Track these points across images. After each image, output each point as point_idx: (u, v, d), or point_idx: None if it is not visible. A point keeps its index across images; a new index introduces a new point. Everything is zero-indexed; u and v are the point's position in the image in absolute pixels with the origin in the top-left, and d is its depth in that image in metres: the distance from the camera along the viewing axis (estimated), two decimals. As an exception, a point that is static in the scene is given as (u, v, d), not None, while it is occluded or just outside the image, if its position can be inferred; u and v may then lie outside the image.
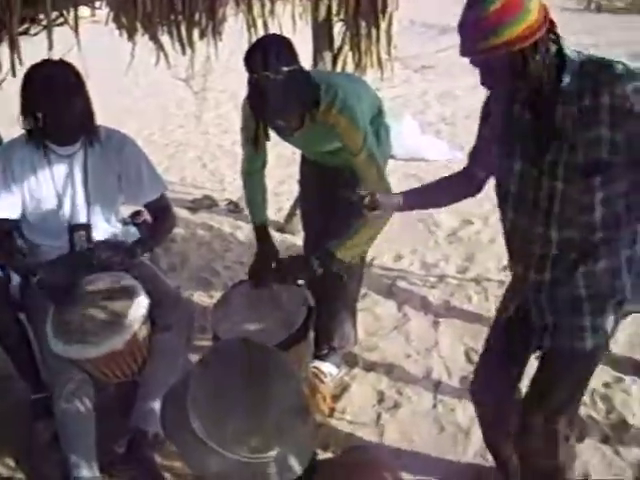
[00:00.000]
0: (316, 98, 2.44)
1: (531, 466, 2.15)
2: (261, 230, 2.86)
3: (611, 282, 1.86)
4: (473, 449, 2.67)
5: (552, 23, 1.72)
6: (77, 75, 2.47)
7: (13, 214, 2.57)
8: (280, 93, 2.23)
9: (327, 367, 3.04)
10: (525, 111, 1.85)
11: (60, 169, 2.57)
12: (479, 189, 2.16)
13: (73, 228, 2.63)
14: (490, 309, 3.64)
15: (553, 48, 1.74)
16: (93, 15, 3.64)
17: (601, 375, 3.02)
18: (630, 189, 1.78)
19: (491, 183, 2.06)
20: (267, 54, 2.27)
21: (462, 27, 1.74)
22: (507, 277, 3.99)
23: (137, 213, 3.06)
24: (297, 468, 1.13)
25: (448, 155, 6.33)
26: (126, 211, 2.99)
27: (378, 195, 2.06)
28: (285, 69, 2.24)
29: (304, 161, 3.13)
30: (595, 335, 1.90)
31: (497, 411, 2.24)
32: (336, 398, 2.97)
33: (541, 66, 1.71)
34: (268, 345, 1.52)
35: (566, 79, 1.73)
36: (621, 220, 1.82)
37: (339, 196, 2.79)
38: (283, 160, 5.61)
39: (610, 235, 1.82)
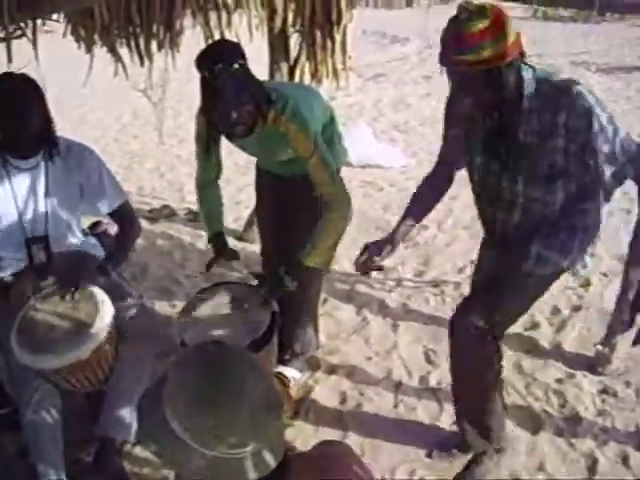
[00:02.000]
0: (267, 98, 2.48)
1: (458, 374, 2.45)
2: (217, 237, 2.87)
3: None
4: (433, 444, 2.74)
5: (517, 52, 1.94)
6: (36, 88, 2.45)
7: None
8: (232, 84, 2.29)
9: (290, 372, 3.09)
10: (487, 118, 2.08)
11: (21, 182, 2.57)
12: (452, 182, 2.49)
13: (31, 241, 2.62)
14: (447, 311, 3.74)
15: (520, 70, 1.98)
16: (44, 25, 3.65)
17: (554, 371, 3.15)
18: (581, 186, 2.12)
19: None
20: (218, 51, 2.37)
21: (445, 39, 1.92)
22: (463, 279, 4.13)
23: (96, 224, 3.08)
24: (272, 461, 1.19)
25: (402, 162, 6.46)
26: (85, 223, 2.99)
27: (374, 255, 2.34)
28: (237, 61, 2.31)
29: (258, 172, 3.15)
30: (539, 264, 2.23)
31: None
32: (300, 401, 3.03)
33: (512, 85, 1.94)
34: (237, 346, 1.57)
35: (526, 102, 1.99)
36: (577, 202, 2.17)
37: (294, 206, 2.86)
38: (241, 168, 5.65)
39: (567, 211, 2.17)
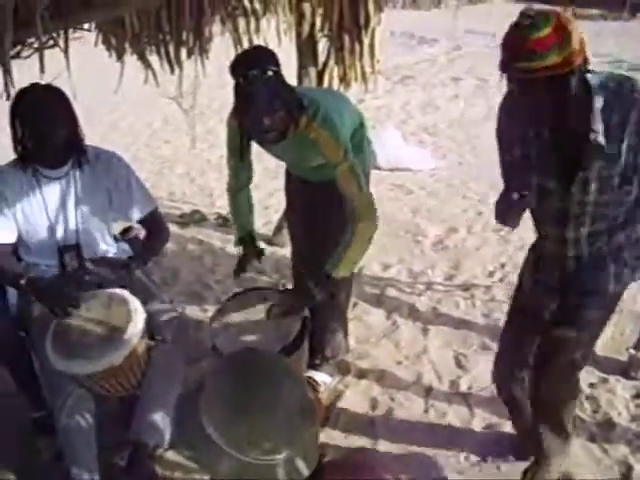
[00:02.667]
0: (299, 104, 2.49)
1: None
2: (247, 237, 2.93)
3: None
4: (466, 451, 2.74)
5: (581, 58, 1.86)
6: (62, 98, 2.51)
7: (10, 238, 2.61)
8: (266, 91, 2.29)
9: (321, 376, 3.10)
10: (544, 131, 2.01)
11: (51, 191, 2.61)
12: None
13: (63, 249, 2.67)
14: (477, 315, 3.73)
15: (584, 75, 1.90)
16: (80, 37, 3.70)
17: (586, 376, 3.10)
18: None
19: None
20: (252, 57, 2.39)
21: (507, 45, 1.86)
22: (493, 283, 4.10)
23: (128, 229, 3.11)
24: (304, 470, 1.20)
25: (431, 164, 6.44)
26: (117, 228, 3.03)
27: None
28: (271, 67, 2.32)
29: (288, 177, 3.17)
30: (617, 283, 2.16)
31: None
32: (330, 406, 3.03)
33: (579, 90, 1.87)
34: (273, 352, 1.57)
35: (598, 102, 1.91)
36: None
37: (323, 211, 2.86)
38: (271, 172, 5.68)
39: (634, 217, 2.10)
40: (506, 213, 2.16)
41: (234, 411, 1.15)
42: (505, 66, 1.88)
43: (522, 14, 1.83)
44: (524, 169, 2.10)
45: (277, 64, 2.38)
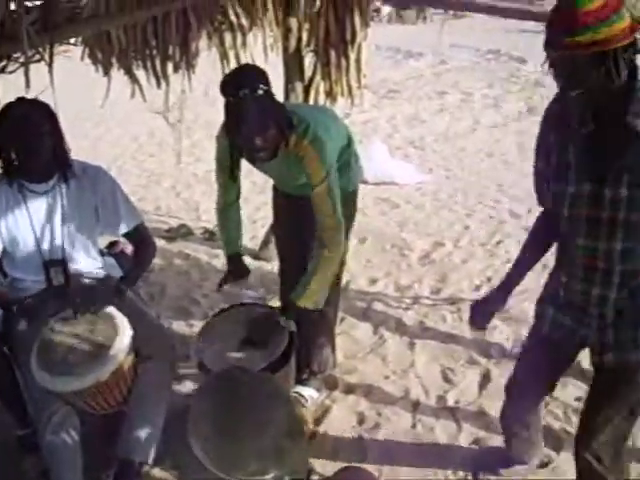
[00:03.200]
0: (290, 123, 2.49)
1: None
2: (234, 258, 2.91)
3: None
4: (453, 466, 2.73)
5: (634, 34, 1.74)
6: (48, 113, 2.50)
7: None
8: (256, 110, 2.28)
9: (308, 391, 3.10)
10: (587, 123, 1.85)
11: (37, 206, 2.60)
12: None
13: (49, 264, 2.65)
14: (464, 329, 3.73)
15: (631, 58, 1.75)
16: (66, 51, 3.70)
17: (573, 390, 3.12)
18: None
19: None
20: (242, 76, 2.37)
21: (553, 20, 1.74)
22: (480, 297, 4.09)
23: (114, 244, 3.10)
24: (292, 489, 1.19)
25: (417, 178, 6.46)
26: (102, 242, 3.01)
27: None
28: (262, 87, 2.30)
29: (276, 192, 3.16)
30: None
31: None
32: (318, 421, 3.02)
33: (619, 71, 1.73)
34: (261, 372, 1.57)
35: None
36: None
37: (310, 226, 2.85)
38: (258, 187, 5.68)
39: None
40: (484, 315, 2.22)
41: (221, 432, 1.14)
42: (549, 42, 1.74)
43: None
44: (560, 179, 1.94)
45: (267, 82, 2.37)
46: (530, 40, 15.55)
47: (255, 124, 2.31)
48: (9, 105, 2.48)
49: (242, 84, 2.28)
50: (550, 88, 2.00)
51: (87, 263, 2.76)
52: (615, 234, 1.86)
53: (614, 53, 1.70)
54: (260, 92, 2.29)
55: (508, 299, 2.26)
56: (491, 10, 3.63)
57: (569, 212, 1.92)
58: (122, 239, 2.94)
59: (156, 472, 2.64)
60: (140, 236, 2.80)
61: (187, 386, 3.08)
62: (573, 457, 2.70)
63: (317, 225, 2.57)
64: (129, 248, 2.98)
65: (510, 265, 2.28)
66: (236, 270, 2.88)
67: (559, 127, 1.95)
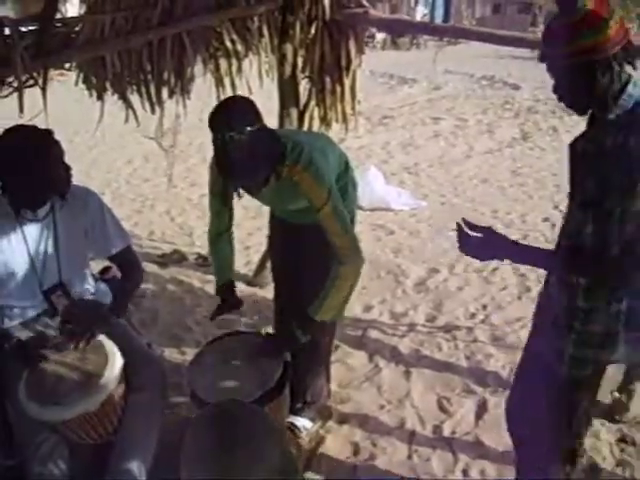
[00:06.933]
0: (282, 154, 2.45)
1: None
2: (225, 287, 2.84)
3: None
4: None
5: (630, 46, 1.77)
6: (51, 141, 2.43)
7: None
8: (245, 153, 2.22)
9: (301, 422, 3.05)
10: (588, 145, 1.85)
11: (33, 232, 2.56)
12: None
13: (49, 291, 2.60)
14: (460, 357, 3.69)
15: (625, 73, 1.78)
16: (61, 74, 3.68)
17: (571, 420, 3.07)
18: None
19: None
20: (230, 115, 2.26)
21: (545, 34, 1.82)
22: (475, 324, 4.07)
23: (106, 269, 3.06)
24: (285, 528, 1.15)
25: (412, 204, 6.46)
26: (95, 268, 2.98)
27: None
28: (249, 129, 2.22)
29: (272, 216, 3.14)
30: None
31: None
32: (312, 452, 2.96)
33: (606, 85, 1.75)
34: (256, 407, 1.53)
35: (613, 113, 1.77)
36: None
37: (306, 253, 2.82)
38: (251, 212, 5.65)
39: None
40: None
41: (213, 470, 1.10)
42: (541, 55, 1.82)
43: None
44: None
45: (256, 119, 2.29)
46: (522, 66, 15.74)
47: (242, 166, 2.26)
48: (5, 133, 2.40)
49: (229, 125, 2.20)
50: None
51: (82, 288, 2.73)
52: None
53: (593, 65, 1.73)
54: (247, 134, 2.21)
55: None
56: (490, 38, 3.67)
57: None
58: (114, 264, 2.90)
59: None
60: (127, 259, 2.76)
61: (179, 415, 3.02)
62: None
63: (332, 246, 2.50)
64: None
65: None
66: (229, 301, 2.83)
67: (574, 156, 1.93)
